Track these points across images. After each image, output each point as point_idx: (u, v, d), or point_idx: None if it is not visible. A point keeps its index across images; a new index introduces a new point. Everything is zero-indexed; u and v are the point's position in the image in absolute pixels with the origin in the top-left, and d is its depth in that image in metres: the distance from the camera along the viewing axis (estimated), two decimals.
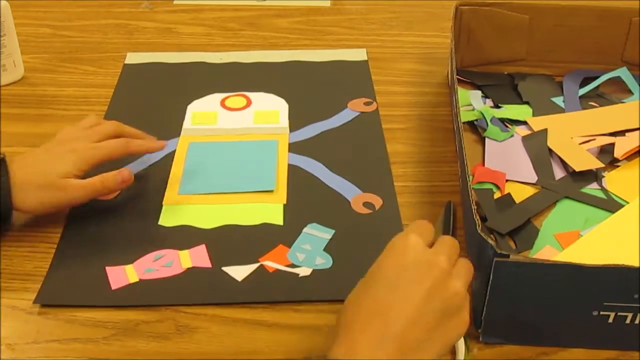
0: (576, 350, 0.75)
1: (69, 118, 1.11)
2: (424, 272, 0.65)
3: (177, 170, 1.00)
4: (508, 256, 0.67)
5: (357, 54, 1.29)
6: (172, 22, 1.40)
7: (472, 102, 1.13)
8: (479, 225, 0.71)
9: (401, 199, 0.95)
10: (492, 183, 0.96)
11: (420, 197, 0.96)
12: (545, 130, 1.06)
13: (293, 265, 0.84)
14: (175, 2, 1.48)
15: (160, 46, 1.32)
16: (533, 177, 0.98)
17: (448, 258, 0.67)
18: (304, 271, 0.83)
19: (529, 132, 1.07)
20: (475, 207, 0.75)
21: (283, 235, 0.89)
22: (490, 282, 0.69)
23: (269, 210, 0.93)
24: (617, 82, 1.18)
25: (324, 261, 0.85)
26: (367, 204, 0.94)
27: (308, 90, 1.19)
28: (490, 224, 0.89)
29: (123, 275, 0.83)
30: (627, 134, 1.05)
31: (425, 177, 1.00)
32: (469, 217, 0.77)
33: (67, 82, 1.21)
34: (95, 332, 0.76)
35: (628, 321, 0.71)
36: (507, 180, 0.97)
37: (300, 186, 0.97)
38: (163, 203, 0.94)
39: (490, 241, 0.68)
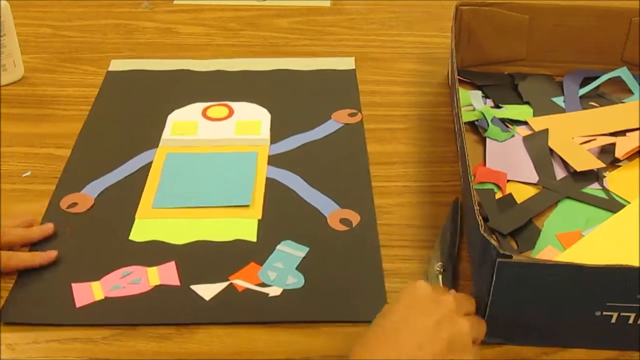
0: (576, 350, 0.75)
1: (69, 118, 1.11)
2: (432, 307, 0.68)
3: (152, 182, 0.98)
4: (511, 257, 0.67)
5: (345, 63, 1.26)
6: (172, 22, 1.40)
7: (472, 102, 1.13)
8: (481, 226, 0.71)
9: (402, 199, 0.95)
10: (494, 183, 0.96)
11: (421, 197, 0.96)
12: (546, 131, 1.06)
13: (263, 285, 0.82)
14: (175, 2, 1.48)
15: (160, 46, 1.32)
16: (534, 177, 0.97)
17: (455, 298, 0.69)
18: (274, 291, 0.81)
19: (529, 132, 1.07)
20: (478, 208, 0.75)
21: (256, 252, 0.86)
22: (492, 282, 0.69)
23: (243, 226, 0.90)
24: (618, 82, 1.18)
25: (295, 280, 0.82)
26: (344, 221, 0.91)
27: (292, 99, 1.16)
28: (492, 224, 0.88)
29: (89, 292, 0.81)
30: (627, 133, 1.05)
31: (426, 177, 1.00)
32: (471, 217, 0.77)
33: (67, 82, 1.21)
34: (95, 332, 0.76)
35: (631, 321, 0.70)
36: (508, 181, 0.97)
37: (277, 201, 0.95)
38: (136, 217, 0.92)
39: (493, 242, 0.68)
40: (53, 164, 1.01)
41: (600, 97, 1.16)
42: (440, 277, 0.81)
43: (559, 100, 1.14)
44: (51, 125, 1.10)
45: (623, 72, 1.18)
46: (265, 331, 0.76)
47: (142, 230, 0.90)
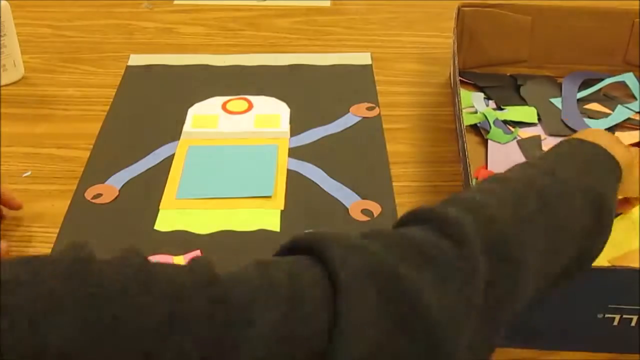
0: (574, 351, 0.74)
1: (69, 118, 1.11)
2: None
3: (175, 174, 0.99)
4: None
5: (361, 58, 1.28)
6: (172, 22, 1.40)
7: (474, 104, 1.13)
8: None
9: (402, 199, 0.95)
10: None
11: (420, 197, 0.96)
12: (538, 136, 1.05)
13: None
14: (175, 2, 1.48)
15: (160, 46, 1.32)
16: None
17: None
18: None
19: (530, 134, 1.07)
20: None
21: (279, 241, 0.86)
22: None
23: (266, 216, 0.92)
24: (622, 84, 1.17)
25: None
26: (365, 211, 0.92)
27: (310, 94, 1.18)
28: None
29: None
30: (628, 131, 1.06)
31: (426, 177, 1.00)
32: None
33: (67, 82, 1.20)
34: None
35: (633, 324, 0.70)
36: None
37: (299, 192, 0.96)
38: (160, 207, 0.93)
39: None
40: (53, 164, 1.01)
41: (602, 100, 1.15)
42: None
43: (557, 102, 1.14)
44: (51, 125, 1.10)
45: (628, 78, 1.17)
46: None
47: (166, 221, 0.91)
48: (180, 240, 0.88)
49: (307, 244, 0.51)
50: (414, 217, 0.56)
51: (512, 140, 1.05)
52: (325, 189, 0.97)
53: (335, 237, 0.50)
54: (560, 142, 0.73)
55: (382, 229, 0.55)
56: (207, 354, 0.43)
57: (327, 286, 0.47)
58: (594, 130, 0.76)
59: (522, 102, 1.14)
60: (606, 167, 0.68)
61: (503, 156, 1.02)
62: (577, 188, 0.62)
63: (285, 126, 1.09)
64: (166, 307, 0.43)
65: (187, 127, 1.09)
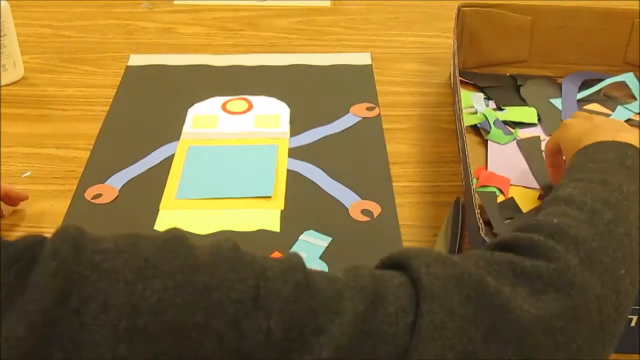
0: None
1: (69, 118, 1.11)
2: None
3: (175, 174, 0.99)
4: None
5: (361, 58, 1.27)
6: (172, 22, 1.40)
7: (474, 104, 1.13)
8: (482, 229, 0.71)
9: (402, 199, 0.95)
10: (496, 187, 0.95)
11: (421, 197, 0.96)
12: (537, 137, 1.05)
13: None
14: (175, 2, 1.48)
15: (160, 46, 1.31)
16: (536, 182, 0.97)
17: None
18: None
19: (529, 135, 1.07)
20: (479, 211, 0.75)
21: (279, 242, 0.88)
22: None
23: (266, 217, 0.92)
24: (623, 84, 1.17)
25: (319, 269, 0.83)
26: (365, 212, 0.92)
27: (310, 94, 1.18)
28: (498, 230, 0.87)
29: None
30: None
31: (426, 177, 1.00)
32: (472, 220, 0.77)
33: (67, 82, 1.20)
34: None
35: (633, 324, 0.70)
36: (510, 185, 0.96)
37: (299, 192, 0.96)
38: (160, 207, 0.93)
39: None
40: (53, 164, 1.01)
41: (603, 100, 1.15)
42: None
43: (557, 102, 1.14)
44: (51, 125, 1.10)
45: (629, 78, 1.17)
46: None
47: (166, 221, 0.91)
48: None
49: (394, 260, 0.53)
50: (499, 245, 0.57)
51: (512, 140, 1.05)
52: (325, 189, 0.97)
53: (421, 250, 0.53)
54: (582, 149, 0.73)
55: (470, 252, 0.56)
56: (290, 333, 0.46)
57: (412, 291, 0.49)
58: (602, 124, 0.78)
59: (522, 102, 1.14)
60: (635, 158, 0.70)
61: (503, 157, 1.02)
62: (629, 189, 0.64)
63: (285, 126, 1.09)
64: (252, 284, 0.47)
65: (187, 127, 1.09)
